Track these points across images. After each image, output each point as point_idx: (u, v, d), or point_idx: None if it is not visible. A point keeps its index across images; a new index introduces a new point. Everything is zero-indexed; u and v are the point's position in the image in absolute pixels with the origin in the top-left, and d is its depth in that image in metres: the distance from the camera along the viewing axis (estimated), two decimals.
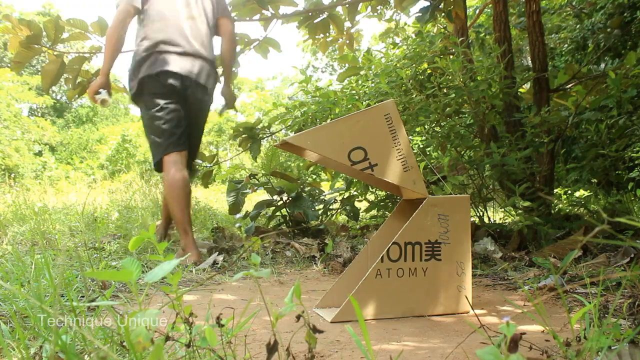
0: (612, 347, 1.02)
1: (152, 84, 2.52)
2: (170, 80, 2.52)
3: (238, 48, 3.74)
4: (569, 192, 4.13)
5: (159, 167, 2.58)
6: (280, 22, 3.85)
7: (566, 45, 4.96)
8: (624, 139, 3.23)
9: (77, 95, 3.57)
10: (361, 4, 3.97)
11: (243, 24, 3.83)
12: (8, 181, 8.25)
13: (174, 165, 2.51)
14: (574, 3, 5.20)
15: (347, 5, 3.86)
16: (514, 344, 0.65)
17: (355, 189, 3.97)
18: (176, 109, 2.55)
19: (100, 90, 2.50)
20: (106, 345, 0.94)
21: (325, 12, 3.85)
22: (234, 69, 3.44)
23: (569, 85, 3.44)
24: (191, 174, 2.79)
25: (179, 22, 2.57)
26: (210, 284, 2.14)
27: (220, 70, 2.86)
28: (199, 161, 3.81)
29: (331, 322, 1.50)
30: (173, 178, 2.49)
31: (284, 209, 3.89)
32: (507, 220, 3.73)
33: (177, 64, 2.52)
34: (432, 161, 2.96)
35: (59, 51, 3.38)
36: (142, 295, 0.81)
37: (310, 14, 3.81)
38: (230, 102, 2.91)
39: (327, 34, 4.04)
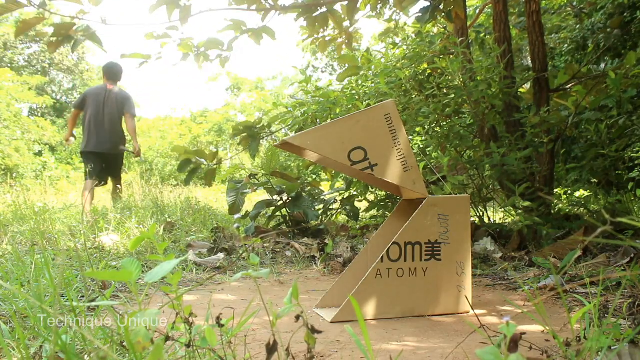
0: (612, 347, 1.02)
1: None
2: None
3: (233, 34, 3.85)
4: (569, 192, 4.13)
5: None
6: (278, 13, 3.77)
7: (566, 45, 4.96)
8: (624, 139, 3.22)
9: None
10: (360, 1, 3.94)
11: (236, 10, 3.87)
12: (9, 181, 8.24)
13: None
14: (574, 3, 5.20)
15: (346, 3, 3.82)
16: (514, 344, 0.65)
17: (355, 189, 3.97)
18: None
19: (70, 139, 5.40)
20: (106, 345, 0.94)
21: (324, 7, 3.80)
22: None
23: (569, 85, 3.44)
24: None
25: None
26: (210, 284, 2.14)
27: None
28: (202, 160, 4.04)
29: (331, 322, 1.50)
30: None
31: (284, 209, 3.89)
32: (507, 220, 3.73)
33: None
34: (432, 161, 2.96)
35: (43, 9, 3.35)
36: (142, 295, 0.81)
37: (309, 8, 3.76)
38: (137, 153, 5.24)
39: (325, 30, 4.00)
